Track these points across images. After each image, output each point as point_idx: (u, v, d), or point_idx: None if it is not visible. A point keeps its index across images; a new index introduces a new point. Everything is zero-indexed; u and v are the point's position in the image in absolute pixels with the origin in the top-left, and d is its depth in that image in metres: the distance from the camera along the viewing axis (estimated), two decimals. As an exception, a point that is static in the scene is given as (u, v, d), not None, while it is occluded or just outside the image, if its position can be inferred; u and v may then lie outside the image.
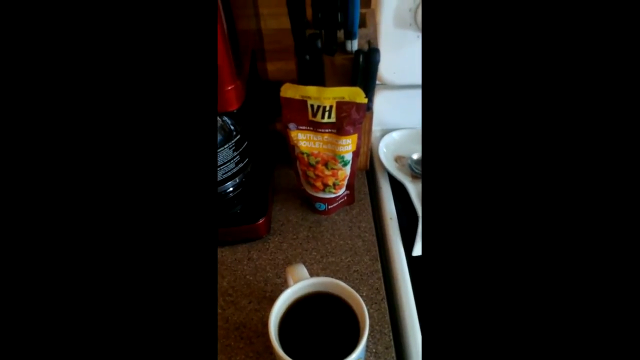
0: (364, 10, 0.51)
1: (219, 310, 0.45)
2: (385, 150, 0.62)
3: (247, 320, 0.44)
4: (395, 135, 0.65)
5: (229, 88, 0.37)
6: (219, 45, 0.34)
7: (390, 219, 0.54)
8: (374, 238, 0.53)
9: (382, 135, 0.64)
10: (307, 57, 0.44)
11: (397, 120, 0.66)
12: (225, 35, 0.34)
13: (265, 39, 0.59)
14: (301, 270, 0.39)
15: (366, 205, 0.57)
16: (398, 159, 0.62)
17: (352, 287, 0.36)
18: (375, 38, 0.51)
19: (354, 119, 0.45)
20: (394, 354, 0.41)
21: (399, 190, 0.58)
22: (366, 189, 0.59)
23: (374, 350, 0.41)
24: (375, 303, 0.45)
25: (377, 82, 0.58)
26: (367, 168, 0.62)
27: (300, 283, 0.37)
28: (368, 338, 0.42)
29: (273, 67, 0.62)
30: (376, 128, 0.66)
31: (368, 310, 0.44)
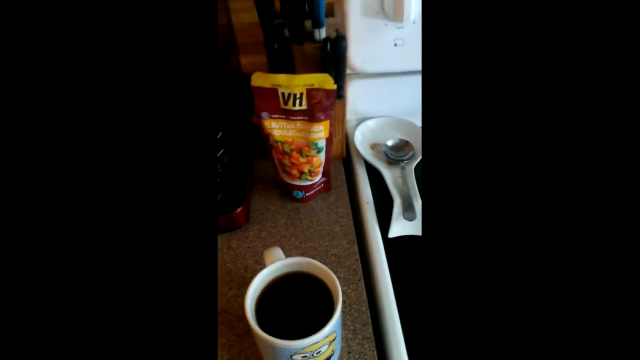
0: (331, 0, 0.52)
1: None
2: (361, 137, 0.64)
3: (228, 305, 0.45)
4: (370, 123, 0.66)
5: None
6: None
7: (367, 203, 0.56)
8: (351, 223, 0.54)
9: (358, 124, 0.66)
10: (276, 46, 0.45)
11: (372, 109, 0.67)
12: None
13: (237, 33, 0.60)
14: (277, 252, 0.40)
15: (343, 191, 0.58)
16: (374, 147, 0.64)
17: (331, 270, 0.37)
18: (344, 27, 0.52)
19: (324, 105, 0.46)
20: (371, 330, 0.42)
21: (375, 177, 0.59)
22: (343, 177, 0.61)
23: (352, 328, 0.43)
24: (353, 283, 0.47)
25: (350, 71, 0.60)
26: (344, 156, 0.63)
27: (275, 264, 0.38)
28: (346, 316, 0.43)
29: (247, 60, 0.63)
30: (352, 117, 0.68)
31: (346, 290, 0.46)
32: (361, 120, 0.67)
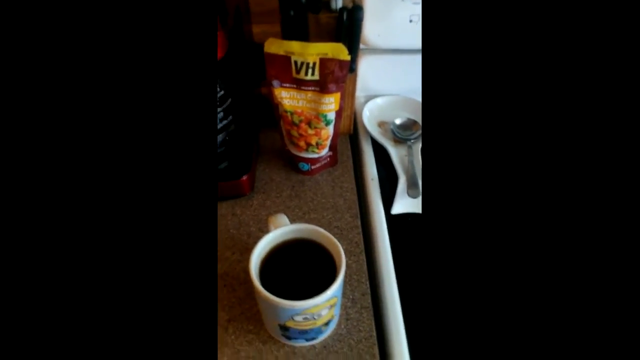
0: (349, -29, 0.51)
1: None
2: (369, 114, 0.64)
3: (230, 269, 0.46)
4: (379, 101, 0.66)
5: (213, 37, 0.37)
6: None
7: (372, 179, 0.56)
8: (355, 197, 0.54)
9: (367, 101, 0.65)
10: (292, 12, 0.44)
11: (381, 86, 0.67)
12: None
13: (250, 0, 0.59)
14: (282, 218, 0.40)
15: (349, 167, 0.59)
16: (381, 124, 0.64)
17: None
18: (360, -1, 0.52)
19: (337, 76, 0.46)
20: (370, 300, 0.43)
21: (381, 154, 0.59)
22: (349, 152, 0.61)
23: (351, 297, 0.43)
24: (354, 255, 0.47)
25: (363, 45, 0.59)
26: (351, 132, 0.63)
27: (281, 229, 0.38)
28: (346, 286, 0.44)
29: (258, 30, 0.62)
30: (361, 94, 0.67)
31: (347, 261, 0.46)
32: (370, 97, 0.67)
